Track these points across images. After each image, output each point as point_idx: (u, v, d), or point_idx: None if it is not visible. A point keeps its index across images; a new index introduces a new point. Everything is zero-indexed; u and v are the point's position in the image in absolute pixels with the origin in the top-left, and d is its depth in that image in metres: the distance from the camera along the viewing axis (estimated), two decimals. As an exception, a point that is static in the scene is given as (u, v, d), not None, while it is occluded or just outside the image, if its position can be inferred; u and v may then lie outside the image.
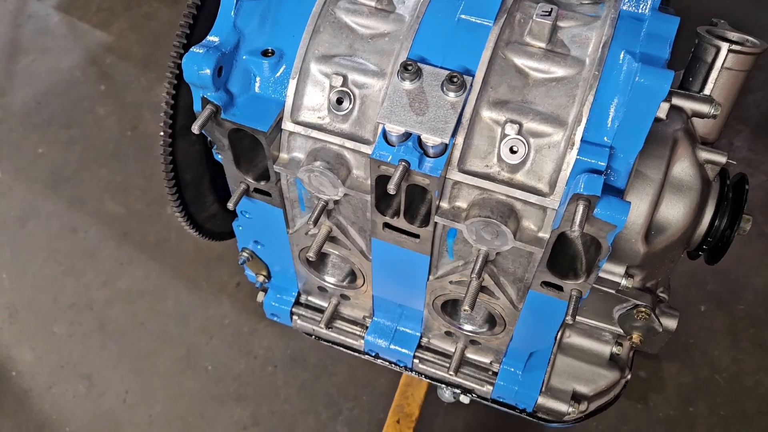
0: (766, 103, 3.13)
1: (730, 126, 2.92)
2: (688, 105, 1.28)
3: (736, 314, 2.52)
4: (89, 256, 2.72)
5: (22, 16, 3.66)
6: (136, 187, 2.92)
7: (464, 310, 1.25)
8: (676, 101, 1.27)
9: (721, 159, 1.28)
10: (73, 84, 3.33)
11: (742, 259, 2.63)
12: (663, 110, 1.13)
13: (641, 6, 1.18)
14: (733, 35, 1.32)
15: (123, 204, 2.87)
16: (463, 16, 1.17)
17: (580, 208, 1.01)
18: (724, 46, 1.28)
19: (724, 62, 1.29)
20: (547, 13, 1.14)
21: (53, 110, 3.21)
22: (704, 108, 1.27)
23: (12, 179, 2.97)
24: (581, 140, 1.10)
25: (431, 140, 1.09)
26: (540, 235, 1.17)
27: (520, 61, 1.15)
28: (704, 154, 1.29)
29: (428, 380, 1.68)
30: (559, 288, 1.21)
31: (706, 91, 1.31)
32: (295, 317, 1.70)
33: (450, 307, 1.48)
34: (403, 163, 1.09)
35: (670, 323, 1.39)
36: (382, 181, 1.14)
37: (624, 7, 1.17)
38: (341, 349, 1.75)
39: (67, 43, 3.54)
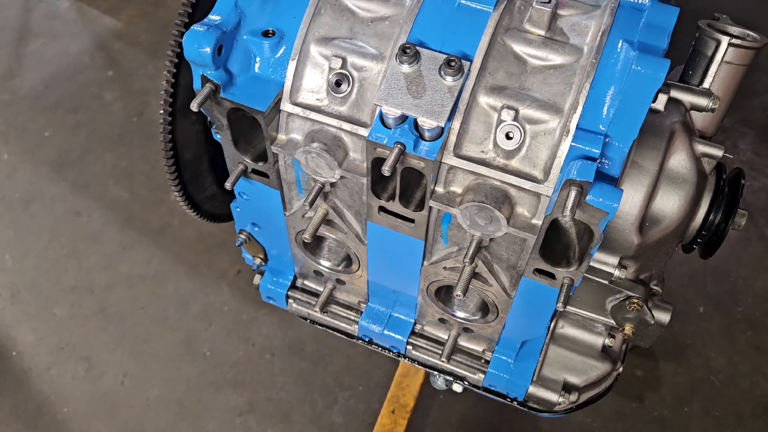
0: (771, 106, 3.12)
1: (735, 129, 2.91)
2: (686, 98, 1.27)
3: (734, 316, 2.51)
4: (92, 239, 2.74)
5: (33, 0, 3.69)
6: (141, 173, 2.94)
7: (456, 296, 1.25)
8: (674, 94, 1.27)
9: (718, 153, 1.28)
10: (80, 69, 3.35)
11: (742, 262, 2.62)
12: (661, 102, 1.13)
13: (641, -4, 1.18)
14: (734, 29, 1.31)
15: (127, 189, 2.89)
16: (463, 2, 1.17)
17: (572, 194, 1.01)
18: (725, 40, 1.27)
19: (724, 56, 1.29)
20: (547, 1, 1.14)
21: (60, 94, 3.24)
22: (703, 101, 1.27)
23: (18, 161, 2.99)
24: (576, 127, 1.10)
25: (427, 123, 1.09)
26: (533, 221, 1.17)
27: (519, 48, 1.15)
28: (701, 147, 1.28)
29: (421, 366, 1.69)
30: (552, 276, 1.22)
31: (705, 84, 1.31)
32: (290, 300, 1.70)
33: (444, 294, 1.48)
34: (399, 145, 1.09)
35: (663, 316, 1.39)
36: (378, 163, 1.14)
37: (624, -3, 1.18)
38: (337, 334, 1.76)
39: (76, 28, 3.56)
